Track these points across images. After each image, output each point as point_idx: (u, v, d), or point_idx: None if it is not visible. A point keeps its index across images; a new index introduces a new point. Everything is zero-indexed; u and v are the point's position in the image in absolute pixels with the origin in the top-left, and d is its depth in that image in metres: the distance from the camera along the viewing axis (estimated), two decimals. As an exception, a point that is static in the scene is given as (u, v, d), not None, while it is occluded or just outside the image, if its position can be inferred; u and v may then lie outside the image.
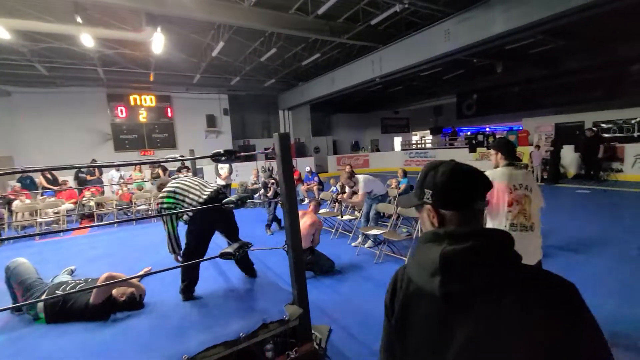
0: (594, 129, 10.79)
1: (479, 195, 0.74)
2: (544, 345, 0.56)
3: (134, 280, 2.26)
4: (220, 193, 2.49)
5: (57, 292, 2.16)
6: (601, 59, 10.52)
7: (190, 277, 2.37)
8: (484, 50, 7.98)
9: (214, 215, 2.41)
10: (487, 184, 0.75)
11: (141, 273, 2.62)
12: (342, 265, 4.22)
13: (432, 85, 15.79)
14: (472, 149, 14.13)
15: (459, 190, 0.73)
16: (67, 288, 2.19)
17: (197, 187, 2.45)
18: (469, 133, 18.92)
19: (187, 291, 2.36)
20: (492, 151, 2.43)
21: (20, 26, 6.61)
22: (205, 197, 2.38)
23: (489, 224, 2.40)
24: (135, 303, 2.22)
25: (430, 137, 22.21)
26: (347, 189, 5.28)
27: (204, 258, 2.27)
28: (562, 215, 6.33)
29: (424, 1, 6.90)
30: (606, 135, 11.00)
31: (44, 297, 2.13)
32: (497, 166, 2.40)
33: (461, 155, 14.28)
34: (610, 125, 11.48)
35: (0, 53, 9.00)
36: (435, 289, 0.64)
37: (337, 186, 5.40)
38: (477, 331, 0.62)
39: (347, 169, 5.81)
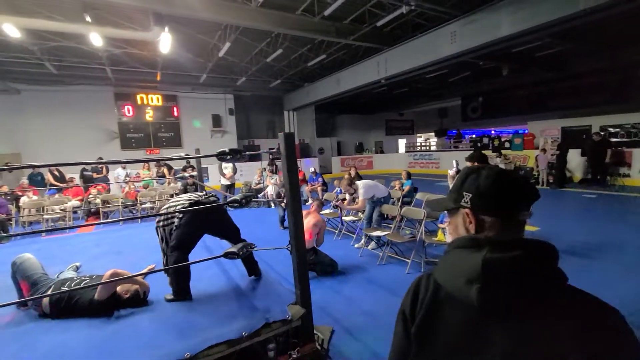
0: (602, 133, 10.68)
1: (524, 204, 0.70)
2: None
3: (138, 278, 2.28)
4: (211, 196, 2.54)
5: (62, 288, 2.18)
6: (609, 62, 10.41)
7: (180, 279, 2.32)
8: (490, 52, 7.94)
9: (202, 218, 2.41)
10: (535, 194, 0.71)
11: (145, 271, 2.64)
12: (344, 267, 4.22)
13: (438, 87, 15.74)
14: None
15: (505, 196, 0.69)
16: (72, 284, 2.21)
17: (185, 199, 2.48)
18: (474, 136, 18.82)
19: (182, 292, 2.30)
20: (468, 163, 2.94)
21: (31, 25, 6.70)
22: (191, 202, 2.41)
23: None
24: (139, 300, 2.24)
25: (435, 139, 22.13)
26: (347, 196, 5.30)
27: (210, 257, 2.28)
28: (567, 219, 6.27)
29: (431, 3, 6.89)
30: (614, 139, 10.87)
31: (49, 292, 2.15)
32: None
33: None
34: (617, 130, 11.35)
35: (10, 51, 9.14)
36: (472, 297, 0.61)
37: (341, 187, 5.40)
38: (514, 345, 0.61)
39: (347, 176, 5.81)
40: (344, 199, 5.57)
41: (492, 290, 0.61)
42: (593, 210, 6.99)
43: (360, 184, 5.05)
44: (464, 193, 0.74)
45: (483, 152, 13.49)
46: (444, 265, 0.74)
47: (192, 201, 2.44)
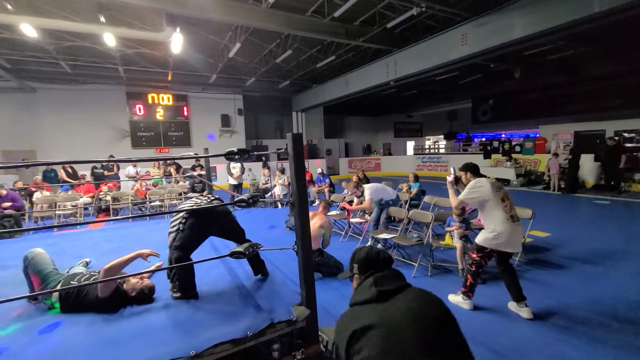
0: (616, 137, 10.44)
1: (383, 266, 1.40)
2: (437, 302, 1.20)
3: (145, 276, 2.31)
4: (215, 199, 2.59)
5: (71, 282, 2.22)
6: (625, 65, 10.19)
7: (183, 277, 2.34)
8: (501, 55, 7.84)
9: (205, 222, 2.46)
10: (389, 261, 1.44)
11: (152, 268, 2.67)
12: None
13: (447, 89, 15.61)
14: (487, 155, 13.85)
15: (368, 263, 1.44)
16: (82, 279, 2.25)
17: (188, 205, 2.55)
18: (483, 139, 18.60)
19: (187, 290, 2.31)
20: (461, 172, 3.21)
21: (47, 25, 6.86)
22: (194, 207, 2.45)
23: (488, 216, 2.97)
24: (145, 297, 2.26)
25: (444, 142, 21.94)
26: (355, 199, 5.29)
27: (216, 256, 2.30)
28: (579, 226, 6.14)
29: (442, 5, 6.85)
30: (629, 144, 10.62)
31: (59, 287, 2.19)
32: (468, 182, 3.12)
33: (475, 161, 13.99)
34: (633, 135, 11.08)
35: (27, 50, 9.39)
36: (374, 293, 1.22)
37: (348, 190, 5.41)
38: (407, 304, 1.17)
39: (354, 178, 5.79)
40: (351, 201, 5.55)
41: (383, 290, 1.22)
42: (606, 217, 6.83)
43: (367, 186, 5.05)
44: (354, 265, 1.49)
45: (493, 155, 13.37)
46: (350, 312, 1.28)
47: (195, 206, 2.46)
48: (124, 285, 2.23)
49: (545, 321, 2.86)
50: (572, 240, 5.06)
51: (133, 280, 2.25)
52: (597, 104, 11.91)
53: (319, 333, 2.34)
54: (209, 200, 2.58)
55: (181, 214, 2.41)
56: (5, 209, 5.97)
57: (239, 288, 2.53)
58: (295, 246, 2.24)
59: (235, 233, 2.63)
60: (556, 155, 10.16)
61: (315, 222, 3.87)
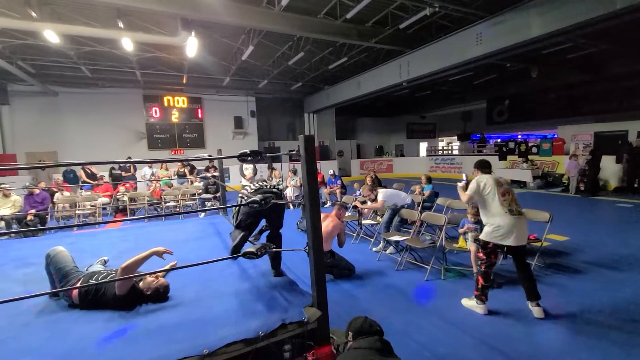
0: (640, 138, 10.05)
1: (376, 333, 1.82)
2: None
3: (160, 275, 2.39)
4: (275, 187, 2.75)
5: (90, 281, 2.29)
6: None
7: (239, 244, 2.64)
8: (518, 54, 7.67)
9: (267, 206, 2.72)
10: (380, 332, 1.85)
11: (167, 267, 2.73)
12: (362, 271, 4.18)
13: (462, 90, 15.36)
14: (502, 157, 13.54)
15: (362, 331, 1.83)
16: (100, 278, 2.32)
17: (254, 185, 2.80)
18: (499, 140, 18.20)
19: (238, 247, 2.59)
20: (474, 170, 3.40)
21: (69, 31, 7.12)
22: (256, 188, 2.70)
23: (487, 211, 3.09)
24: (160, 296, 2.31)
25: (458, 143, 21.59)
26: (368, 202, 5.26)
27: (228, 256, 2.33)
28: (599, 229, 5.93)
29: (456, 4, 6.75)
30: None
31: (78, 284, 2.27)
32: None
33: (491, 163, 13.72)
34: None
35: (50, 56, 9.76)
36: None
37: (362, 192, 5.38)
38: None
39: (368, 180, 5.75)
40: (364, 202, 5.52)
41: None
42: (628, 221, 6.57)
43: (381, 191, 5.05)
44: (349, 332, 1.84)
45: (509, 157, 13.06)
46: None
47: (257, 187, 2.66)
48: (140, 284, 2.29)
49: (564, 327, 2.78)
50: (592, 245, 4.89)
51: (149, 279, 2.31)
52: (619, 104, 11.49)
53: (330, 335, 2.34)
54: (272, 186, 2.83)
55: (249, 191, 2.67)
56: (37, 209, 6.19)
57: (251, 288, 2.56)
58: (307, 247, 2.25)
59: (279, 220, 2.88)
60: (575, 156, 9.84)
61: (327, 224, 3.87)
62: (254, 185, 2.70)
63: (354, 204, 5.71)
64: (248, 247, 2.24)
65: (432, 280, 3.80)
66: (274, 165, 11.27)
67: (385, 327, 2.84)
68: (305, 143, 2.10)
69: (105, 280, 2.24)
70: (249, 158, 2.15)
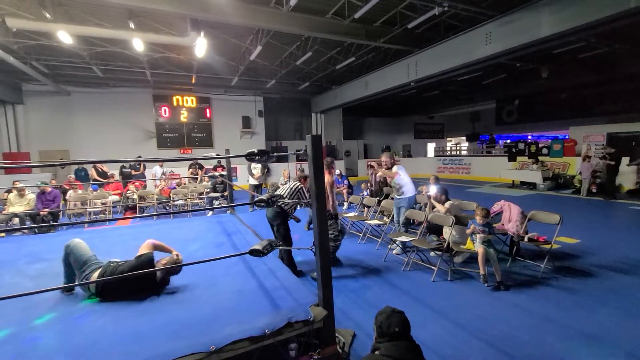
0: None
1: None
2: None
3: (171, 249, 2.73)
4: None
5: (110, 264, 2.53)
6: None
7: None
8: (528, 54, 7.56)
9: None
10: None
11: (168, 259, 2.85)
12: (368, 271, 4.18)
13: (470, 90, 15.20)
14: (512, 158, 13.36)
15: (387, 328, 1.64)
16: (118, 267, 2.48)
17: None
18: (508, 141, 17.95)
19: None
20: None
21: (82, 32, 7.26)
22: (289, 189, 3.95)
23: None
24: (172, 271, 2.55)
25: (466, 143, 21.36)
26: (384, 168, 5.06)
27: (235, 254, 2.35)
28: (613, 233, 5.81)
29: (465, 3, 6.69)
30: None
31: (98, 272, 2.47)
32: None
33: (499, 164, 13.58)
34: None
35: (64, 56, 9.96)
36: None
37: (383, 159, 5.18)
38: None
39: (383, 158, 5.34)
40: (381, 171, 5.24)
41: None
42: (642, 224, 6.43)
43: (399, 165, 4.94)
44: (375, 328, 1.69)
45: (518, 158, 12.87)
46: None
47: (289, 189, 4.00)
48: (162, 261, 2.57)
49: (572, 330, 2.73)
50: (604, 248, 4.80)
51: (163, 261, 2.59)
52: (633, 104, 11.24)
53: (336, 334, 2.35)
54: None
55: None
56: (50, 207, 6.33)
57: (257, 286, 2.58)
58: (313, 246, 2.26)
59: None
60: (588, 157, 9.63)
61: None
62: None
63: (369, 162, 5.49)
64: (254, 245, 2.27)
65: (438, 282, 3.78)
66: (283, 165, 11.31)
67: (391, 327, 2.86)
68: (313, 143, 2.11)
69: (121, 262, 2.56)
70: (257, 157, 2.17)
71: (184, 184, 9.61)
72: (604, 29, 5.97)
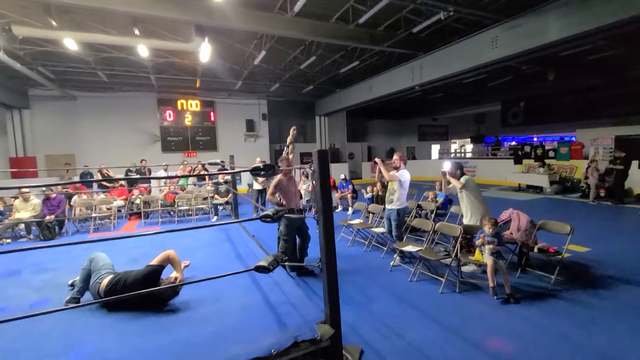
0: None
1: None
2: None
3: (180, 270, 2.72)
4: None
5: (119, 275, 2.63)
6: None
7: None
8: (535, 57, 7.47)
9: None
10: None
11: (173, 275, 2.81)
12: (374, 282, 4.12)
13: (475, 92, 15.09)
14: (518, 161, 13.21)
15: None
16: (128, 276, 2.59)
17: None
18: (514, 143, 17.81)
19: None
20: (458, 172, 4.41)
21: (88, 39, 7.31)
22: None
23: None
24: (175, 290, 2.56)
25: (471, 145, 21.23)
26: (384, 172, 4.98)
27: (241, 270, 2.31)
28: (623, 239, 5.69)
29: (470, 8, 6.63)
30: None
31: (107, 279, 2.58)
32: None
33: (505, 167, 13.44)
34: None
35: (70, 62, 10.03)
36: None
37: (397, 156, 5.07)
38: None
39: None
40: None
41: None
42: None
43: (404, 171, 4.86)
44: None
45: (524, 160, 12.72)
46: None
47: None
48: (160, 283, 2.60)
49: (586, 348, 2.65)
50: (615, 257, 4.69)
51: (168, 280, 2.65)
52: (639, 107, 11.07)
53: (343, 352, 2.30)
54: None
55: None
56: (55, 212, 6.34)
57: (263, 302, 2.54)
58: (320, 263, 2.22)
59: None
60: (595, 161, 9.49)
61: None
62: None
63: (375, 159, 5.43)
64: (260, 261, 2.23)
65: (446, 293, 3.71)
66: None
67: (399, 341, 2.80)
68: (319, 159, 2.07)
69: (129, 270, 2.66)
70: (262, 172, 2.14)
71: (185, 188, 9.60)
72: (611, 33, 5.88)
